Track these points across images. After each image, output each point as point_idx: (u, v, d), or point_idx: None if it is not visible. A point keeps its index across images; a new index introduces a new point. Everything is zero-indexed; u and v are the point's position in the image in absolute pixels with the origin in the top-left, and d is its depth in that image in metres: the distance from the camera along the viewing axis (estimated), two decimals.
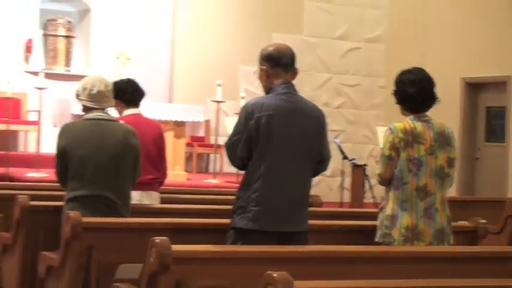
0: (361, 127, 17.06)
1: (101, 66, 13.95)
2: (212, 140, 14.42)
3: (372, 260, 4.69)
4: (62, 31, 15.12)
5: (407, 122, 5.54)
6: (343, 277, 4.05)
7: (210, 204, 7.08)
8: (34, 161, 12.18)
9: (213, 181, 12.86)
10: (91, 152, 5.69)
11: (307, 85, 15.59)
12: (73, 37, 15.28)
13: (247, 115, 5.16)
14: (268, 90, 5.29)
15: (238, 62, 15.68)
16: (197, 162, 15.24)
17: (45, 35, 15.06)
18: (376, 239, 5.55)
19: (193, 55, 15.77)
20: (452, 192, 10.15)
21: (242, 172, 5.34)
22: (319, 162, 5.36)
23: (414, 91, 5.51)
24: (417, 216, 5.43)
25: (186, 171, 13.45)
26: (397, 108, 5.73)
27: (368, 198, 13.61)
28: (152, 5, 15.50)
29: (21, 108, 14.30)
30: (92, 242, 5.29)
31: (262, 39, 15.03)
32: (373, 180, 10.06)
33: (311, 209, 5.74)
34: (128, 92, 6.88)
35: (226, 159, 14.85)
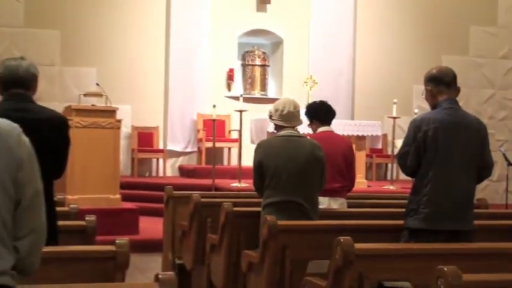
0: None
1: (292, 89, 14.02)
2: (389, 151, 14.34)
3: None
4: (258, 61, 15.39)
5: None
6: (509, 271, 3.95)
7: (387, 207, 7.01)
8: (236, 173, 12.41)
9: (391, 187, 12.75)
10: (283, 164, 5.73)
11: (473, 100, 15.60)
12: (267, 65, 15.51)
13: (416, 128, 5.14)
14: (433, 107, 5.24)
15: (412, 81, 15.49)
16: (376, 171, 15.15)
17: (244, 65, 15.36)
18: None
19: (372, 77, 15.73)
20: None
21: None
22: (483, 169, 5.24)
23: None
24: None
25: (367, 179, 13.39)
26: None
27: None
28: (336, 37, 15.54)
29: (225, 128, 14.65)
30: (286, 241, 5.34)
31: (433, 60, 14.88)
32: None
33: (478, 210, 5.62)
34: (321, 113, 6.91)
35: None
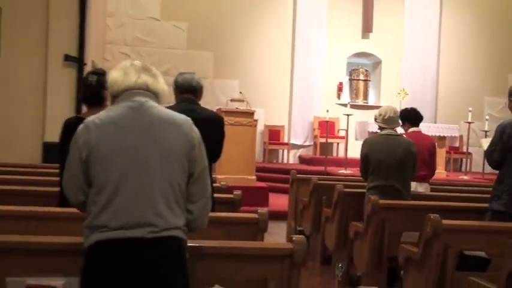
0: None
1: (388, 99, 13.86)
2: (464, 149, 14.03)
3: None
4: (361, 76, 15.21)
5: None
6: None
7: (460, 192, 6.81)
8: (343, 162, 12.40)
9: (464, 177, 12.38)
10: (384, 156, 5.66)
11: None
12: (369, 81, 15.31)
13: (501, 131, 4.96)
14: None
15: (483, 93, 15.09)
16: (453, 164, 14.69)
17: (350, 80, 15.21)
18: None
19: (452, 89, 15.29)
20: None
21: (489, 171, 5.11)
22: None
23: None
24: None
25: (446, 170, 13.04)
26: None
27: None
28: (423, 58, 15.19)
29: (335, 128, 14.57)
30: (385, 216, 5.29)
31: (501, 77, 14.37)
32: None
33: None
34: (411, 117, 6.79)
35: (474, 162, 14.09)
